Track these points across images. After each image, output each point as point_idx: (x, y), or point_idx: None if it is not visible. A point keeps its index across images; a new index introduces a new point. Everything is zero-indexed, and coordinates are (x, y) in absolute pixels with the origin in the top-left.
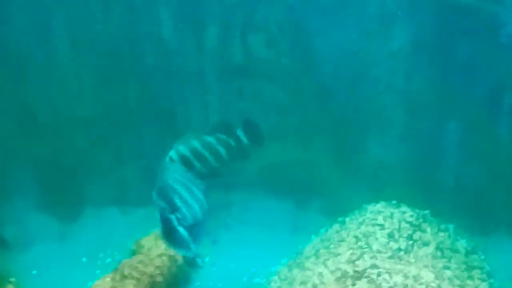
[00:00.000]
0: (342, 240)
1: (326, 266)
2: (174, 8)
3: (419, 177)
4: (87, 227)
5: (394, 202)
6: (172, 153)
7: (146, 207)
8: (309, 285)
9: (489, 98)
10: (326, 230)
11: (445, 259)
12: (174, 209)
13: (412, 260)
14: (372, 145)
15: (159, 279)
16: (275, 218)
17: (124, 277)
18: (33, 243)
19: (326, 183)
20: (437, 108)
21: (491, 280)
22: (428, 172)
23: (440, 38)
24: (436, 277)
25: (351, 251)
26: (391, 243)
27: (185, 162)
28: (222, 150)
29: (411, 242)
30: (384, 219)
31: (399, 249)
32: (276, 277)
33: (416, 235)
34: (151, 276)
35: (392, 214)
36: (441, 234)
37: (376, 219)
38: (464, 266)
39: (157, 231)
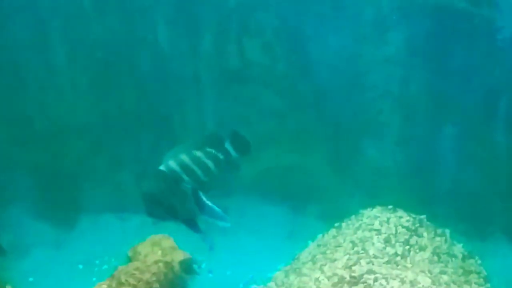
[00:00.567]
0: (339, 246)
1: (322, 271)
2: (170, 15)
3: (415, 182)
4: (84, 233)
5: (390, 207)
6: (162, 168)
7: (142, 214)
8: None
9: (485, 103)
10: (323, 235)
11: (442, 264)
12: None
13: (409, 265)
14: (368, 150)
15: (156, 285)
16: (271, 223)
17: (120, 284)
18: (30, 250)
19: (323, 188)
20: (433, 113)
21: (488, 285)
22: (424, 177)
23: (435, 43)
24: (433, 282)
25: (347, 256)
26: (388, 248)
27: (175, 176)
28: (210, 164)
29: (407, 247)
30: (381, 224)
31: (396, 254)
32: (272, 283)
33: (413, 240)
34: (148, 283)
35: (388, 219)
36: (438, 238)
37: (373, 224)
38: (461, 270)
39: (153, 236)
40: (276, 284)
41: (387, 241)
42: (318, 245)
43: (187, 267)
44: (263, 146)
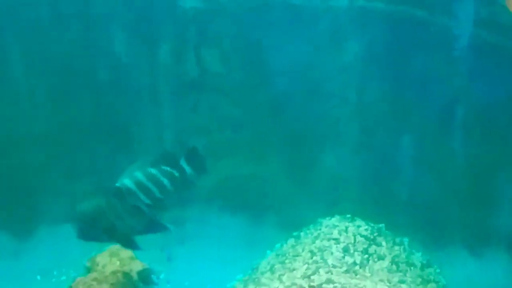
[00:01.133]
0: (297, 255)
1: (281, 281)
2: (128, 24)
3: (374, 191)
4: (42, 244)
5: (349, 216)
6: (118, 186)
7: None
8: None
9: (443, 111)
10: (281, 245)
11: (400, 273)
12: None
13: (368, 274)
14: (326, 158)
15: None
16: (230, 233)
17: None
18: None
19: (281, 197)
20: (392, 122)
21: None
22: (382, 185)
23: (392, 52)
24: None
25: (306, 266)
26: (346, 257)
27: (131, 194)
28: (166, 182)
29: (366, 256)
30: (339, 233)
31: (355, 263)
32: None
33: (371, 249)
34: None
35: (347, 228)
36: (396, 247)
37: (331, 233)
38: (419, 279)
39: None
40: None
41: (345, 250)
42: (277, 255)
43: (146, 277)
44: (221, 156)
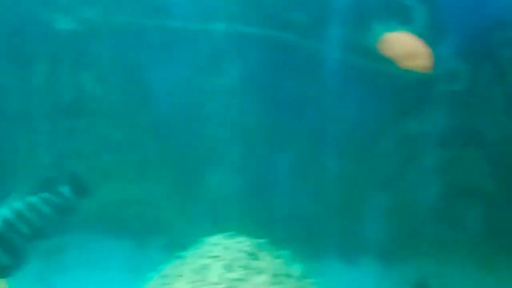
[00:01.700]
0: (180, 275)
1: None
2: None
3: (255, 207)
4: None
5: (231, 233)
6: None
7: None
8: None
9: (316, 130)
10: (165, 267)
11: (280, 286)
12: None
13: None
14: (209, 179)
15: None
16: (113, 258)
17: None
18: None
19: (165, 219)
20: (269, 141)
21: None
22: (264, 202)
23: (267, 74)
24: None
25: (189, 285)
26: (228, 274)
27: (9, 225)
28: (46, 209)
29: (247, 271)
30: (221, 250)
31: (236, 279)
32: None
33: (253, 264)
34: None
35: (229, 245)
36: (277, 261)
37: (213, 251)
38: None
39: None
40: None
41: (227, 267)
42: (161, 277)
43: None
44: (103, 180)
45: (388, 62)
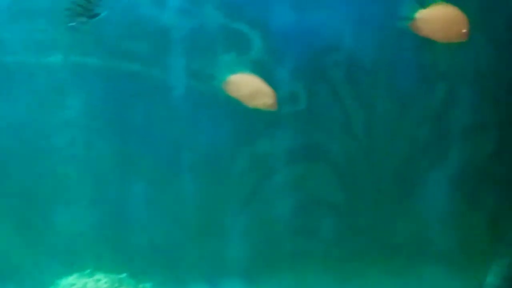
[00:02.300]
0: None
1: None
2: None
3: (112, 241)
4: None
5: (88, 271)
6: None
7: None
8: None
9: (170, 157)
10: None
11: None
12: None
13: None
14: (60, 216)
15: None
16: None
17: None
18: None
19: (15, 264)
20: (123, 172)
21: None
22: (121, 235)
23: (113, 105)
24: None
25: None
26: None
27: None
28: None
29: None
30: None
31: None
32: None
33: None
34: None
35: (86, 284)
36: None
37: None
38: None
39: None
40: None
41: None
42: None
43: None
44: None
45: None
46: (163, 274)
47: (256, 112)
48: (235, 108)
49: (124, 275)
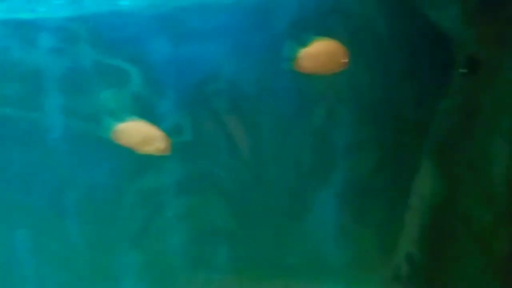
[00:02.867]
0: None
1: None
2: None
3: None
4: None
5: None
6: None
7: None
8: None
9: (52, 199)
10: None
11: None
12: None
13: None
14: None
15: None
16: None
17: None
18: None
19: None
20: (3, 220)
21: None
22: (7, 284)
23: None
24: None
25: None
26: None
27: None
28: None
29: None
30: None
31: None
32: None
33: None
34: None
35: None
36: None
37: None
38: None
39: None
40: None
41: None
42: None
43: None
44: None
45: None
46: None
47: None
48: (118, 144)
49: None
